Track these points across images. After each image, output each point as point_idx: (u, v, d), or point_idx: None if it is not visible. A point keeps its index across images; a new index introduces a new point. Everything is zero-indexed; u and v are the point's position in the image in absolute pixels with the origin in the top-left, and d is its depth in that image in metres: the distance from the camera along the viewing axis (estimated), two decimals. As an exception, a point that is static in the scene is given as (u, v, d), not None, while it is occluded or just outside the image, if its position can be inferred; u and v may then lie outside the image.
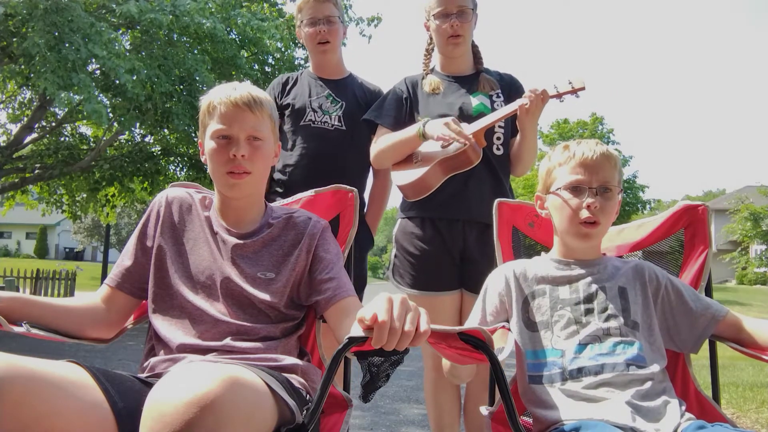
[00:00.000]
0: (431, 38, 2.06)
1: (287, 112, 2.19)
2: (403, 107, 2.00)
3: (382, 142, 1.96)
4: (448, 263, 1.91)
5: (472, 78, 2.02)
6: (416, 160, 1.90)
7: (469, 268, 1.89)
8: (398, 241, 2.00)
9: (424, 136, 1.82)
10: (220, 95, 1.28)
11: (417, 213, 1.95)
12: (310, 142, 2.12)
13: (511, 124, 1.96)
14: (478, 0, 2.02)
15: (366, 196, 2.28)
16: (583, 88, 1.72)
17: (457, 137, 1.73)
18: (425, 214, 1.93)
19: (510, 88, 2.01)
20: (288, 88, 2.23)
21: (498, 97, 1.97)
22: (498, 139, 1.95)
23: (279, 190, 2.13)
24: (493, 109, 1.91)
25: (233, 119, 1.26)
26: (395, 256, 2.01)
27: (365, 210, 2.27)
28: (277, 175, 2.17)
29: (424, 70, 2.08)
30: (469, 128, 1.82)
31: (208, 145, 1.29)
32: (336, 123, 2.14)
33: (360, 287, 2.10)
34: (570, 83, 1.73)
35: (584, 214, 1.30)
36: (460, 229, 1.90)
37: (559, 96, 1.75)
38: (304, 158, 2.12)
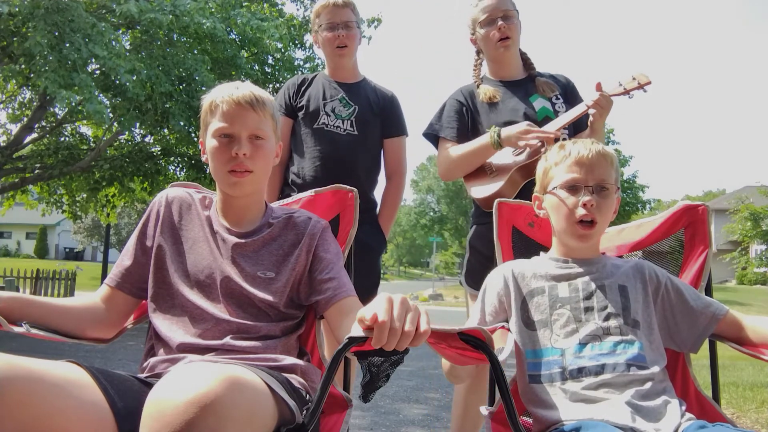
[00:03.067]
0: (478, 53, 2.09)
1: (301, 114, 2.22)
2: (464, 118, 2.00)
3: (451, 154, 1.96)
4: None
5: (525, 82, 2.03)
6: (490, 172, 1.92)
7: None
8: (473, 247, 2.01)
9: (500, 145, 1.83)
10: (222, 94, 1.28)
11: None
12: (322, 145, 2.16)
13: (572, 126, 1.97)
14: None
15: (376, 198, 2.33)
16: (649, 83, 1.75)
17: (543, 135, 1.75)
18: None
19: (566, 89, 2.02)
20: (303, 89, 2.27)
21: (557, 99, 1.98)
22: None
23: (291, 192, 2.15)
24: (555, 111, 1.93)
25: (235, 118, 1.27)
26: (468, 261, 2.02)
27: (377, 211, 2.30)
28: (291, 177, 2.21)
29: (476, 81, 2.08)
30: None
31: (209, 143, 1.29)
32: (348, 128, 2.18)
33: (374, 286, 2.13)
34: (634, 79, 1.76)
35: (580, 212, 1.30)
36: None
37: (626, 92, 1.78)
38: (316, 161, 2.16)
